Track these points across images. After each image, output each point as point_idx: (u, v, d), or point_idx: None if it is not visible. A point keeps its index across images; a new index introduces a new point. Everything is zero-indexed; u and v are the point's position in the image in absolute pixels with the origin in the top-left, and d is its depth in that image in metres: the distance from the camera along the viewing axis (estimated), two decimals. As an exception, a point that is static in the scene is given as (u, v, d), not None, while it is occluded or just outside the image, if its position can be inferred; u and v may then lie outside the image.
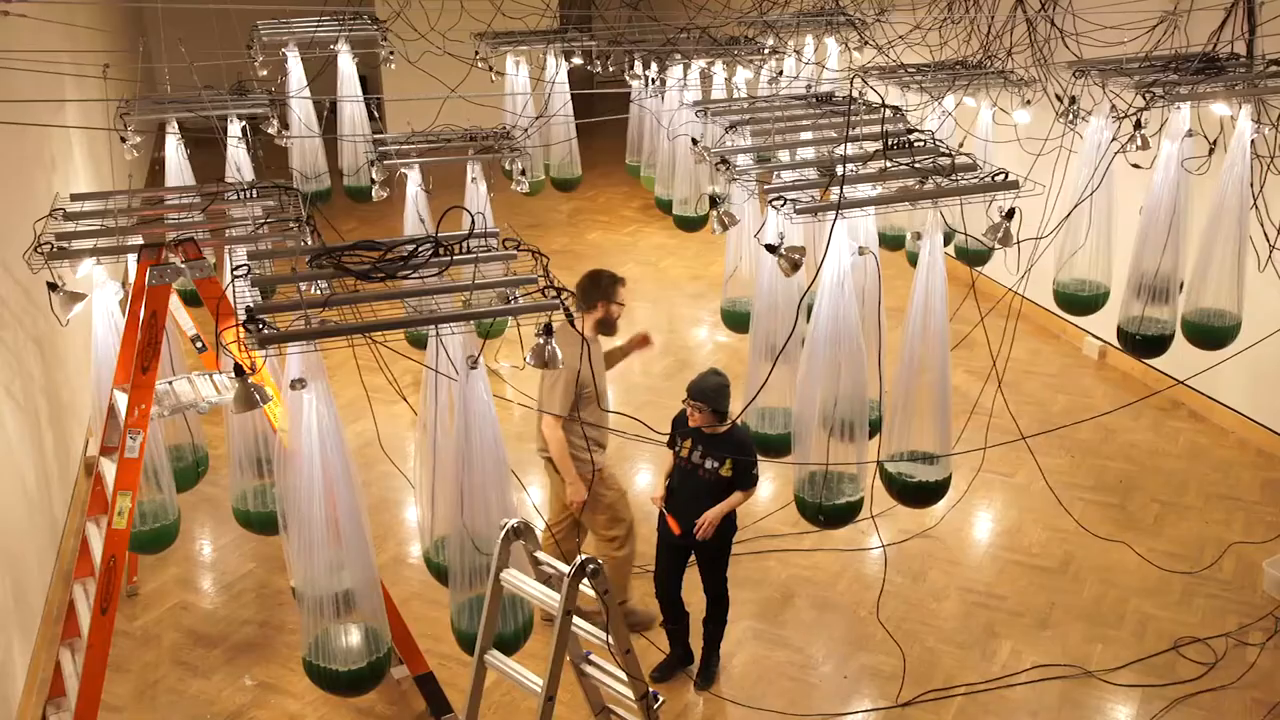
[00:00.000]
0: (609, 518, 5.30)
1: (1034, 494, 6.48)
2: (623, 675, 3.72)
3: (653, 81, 7.90)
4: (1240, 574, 5.76)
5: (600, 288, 5.26)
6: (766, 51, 7.84)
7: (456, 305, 3.54)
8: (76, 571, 4.75)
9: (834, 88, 6.21)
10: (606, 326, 5.33)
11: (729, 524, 5.00)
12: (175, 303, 4.96)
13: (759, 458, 4.84)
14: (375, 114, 7.86)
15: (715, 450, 4.83)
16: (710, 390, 4.81)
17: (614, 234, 11.85)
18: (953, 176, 4.10)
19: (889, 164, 4.22)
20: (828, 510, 4.40)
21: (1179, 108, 4.89)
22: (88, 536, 4.70)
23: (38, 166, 6.76)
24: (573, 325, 3.41)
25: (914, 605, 5.58)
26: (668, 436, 4.92)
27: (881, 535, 5.75)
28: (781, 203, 3.94)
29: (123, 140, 6.03)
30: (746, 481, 4.89)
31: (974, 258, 6.56)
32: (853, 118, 4.92)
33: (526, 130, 7.23)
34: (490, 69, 8.16)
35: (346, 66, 7.63)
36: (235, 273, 3.43)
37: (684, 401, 4.86)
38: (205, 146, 6.62)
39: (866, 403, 4.35)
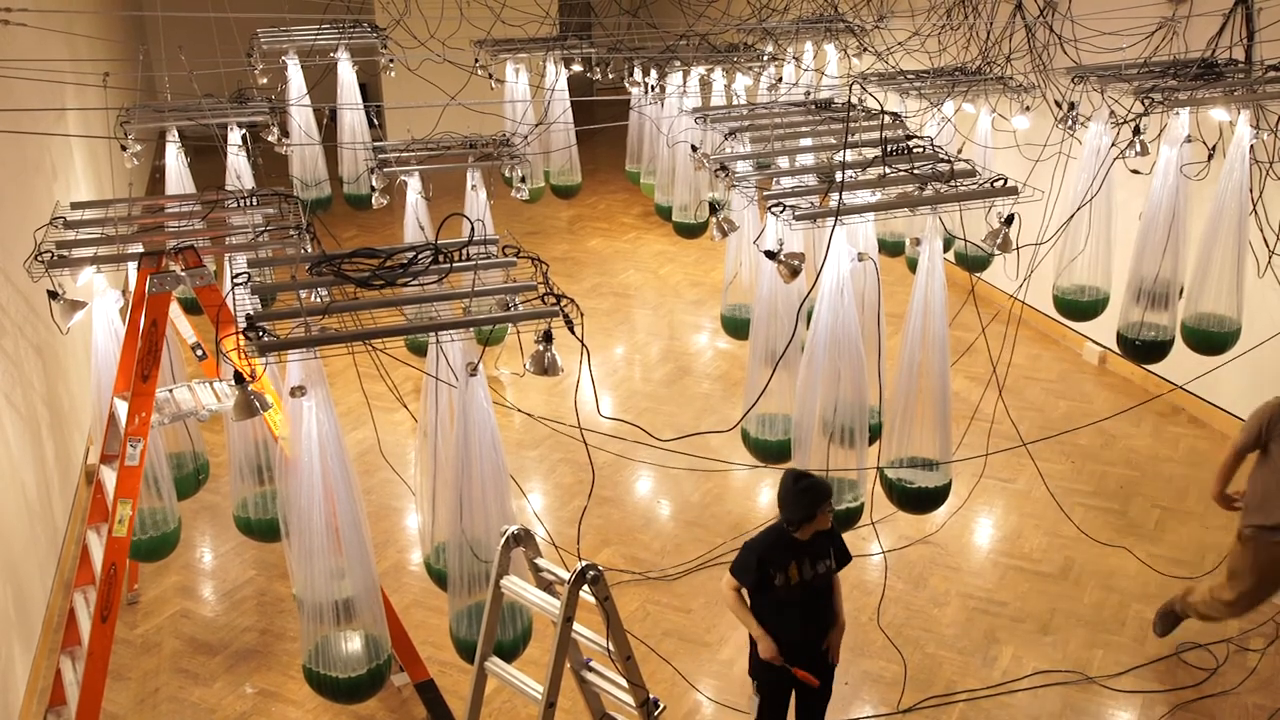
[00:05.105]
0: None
1: (1035, 500, 6.48)
2: (623, 682, 3.72)
3: (652, 88, 7.92)
4: (1241, 579, 5.76)
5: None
6: (766, 58, 7.86)
7: (456, 312, 3.55)
8: (77, 579, 4.75)
9: (833, 94, 6.22)
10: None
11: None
12: (175, 310, 4.97)
13: (759, 463, 4.83)
14: (375, 121, 7.89)
15: (822, 546, 4.12)
16: (828, 487, 4.07)
17: (614, 241, 11.85)
18: (952, 182, 4.11)
19: (888, 170, 4.23)
20: (828, 516, 4.40)
21: (1178, 113, 4.91)
22: (88, 544, 4.70)
23: (38, 175, 6.77)
24: (571, 331, 3.39)
25: (915, 611, 5.57)
26: (747, 579, 4.06)
27: (882, 541, 5.74)
28: (781, 209, 3.95)
29: (123, 148, 6.05)
30: (847, 558, 4.22)
31: (974, 263, 6.59)
32: (852, 124, 4.94)
33: (526, 137, 7.24)
34: (490, 76, 8.18)
35: (346, 74, 7.66)
36: (235, 280, 3.45)
37: (816, 515, 3.97)
38: (205, 154, 6.64)
39: (866, 408, 4.35)
